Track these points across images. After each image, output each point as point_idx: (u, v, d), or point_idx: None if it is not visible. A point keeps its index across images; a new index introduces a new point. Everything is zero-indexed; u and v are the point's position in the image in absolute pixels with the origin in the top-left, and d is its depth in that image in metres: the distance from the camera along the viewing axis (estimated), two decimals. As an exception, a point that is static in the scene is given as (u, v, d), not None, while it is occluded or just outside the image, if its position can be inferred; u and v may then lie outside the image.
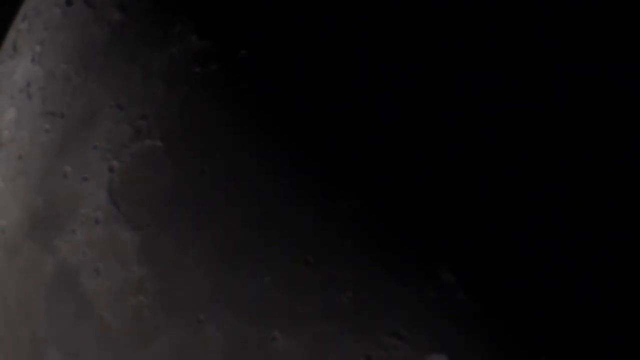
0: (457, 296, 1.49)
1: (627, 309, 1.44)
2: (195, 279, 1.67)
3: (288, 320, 1.57)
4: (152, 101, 1.79)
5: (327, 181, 1.58)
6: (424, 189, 1.53)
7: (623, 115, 1.49)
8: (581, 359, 1.44)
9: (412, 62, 1.58)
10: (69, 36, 2.00)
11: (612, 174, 1.48)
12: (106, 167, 1.83)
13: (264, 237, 1.61)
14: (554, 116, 1.51)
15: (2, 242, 2.04)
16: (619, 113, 1.49)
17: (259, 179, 1.64)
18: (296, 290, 1.57)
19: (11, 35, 2.21)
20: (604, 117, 1.49)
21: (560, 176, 1.49)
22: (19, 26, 2.18)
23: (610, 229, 1.46)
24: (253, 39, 1.72)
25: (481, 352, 1.48)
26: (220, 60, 1.75)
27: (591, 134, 1.49)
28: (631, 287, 1.45)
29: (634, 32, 1.50)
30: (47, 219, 1.93)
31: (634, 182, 1.47)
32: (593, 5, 1.52)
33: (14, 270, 2.00)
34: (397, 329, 1.51)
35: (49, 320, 1.89)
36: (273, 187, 1.62)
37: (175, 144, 1.74)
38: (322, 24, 1.66)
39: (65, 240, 1.87)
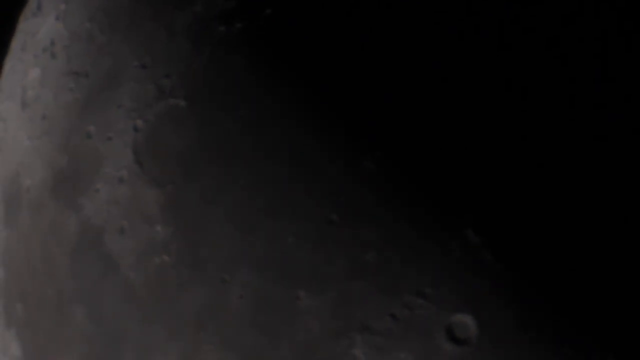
0: (483, 256, 1.49)
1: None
2: (219, 238, 1.67)
3: (312, 279, 1.57)
4: (176, 60, 1.79)
5: (353, 139, 1.57)
6: (450, 148, 1.52)
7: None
8: (609, 322, 1.44)
9: (437, 20, 1.57)
10: (93, -5, 2.00)
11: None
12: (130, 126, 1.83)
13: (288, 196, 1.61)
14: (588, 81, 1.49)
15: (27, 201, 2.05)
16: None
17: (283, 138, 1.63)
18: (320, 249, 1.57)
19: (35, -6, 2.21)
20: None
21: (591, 137, 1.48)
22: (43, -15, 2.18)
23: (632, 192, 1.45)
24: (278, -2, 1.71)
25: (506, 312, 1.47)
26: (245, 19, 1.74)
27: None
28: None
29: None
30: (72, 178, 1.93)
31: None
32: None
33: (39, 229, 2.01)
34: (422, 288, 1.50)
35: (73, 279, 1.90)
36: (297, 146, 1.62)
37: (199, 103, 1.73)
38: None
39: (90, 200, 1.88)
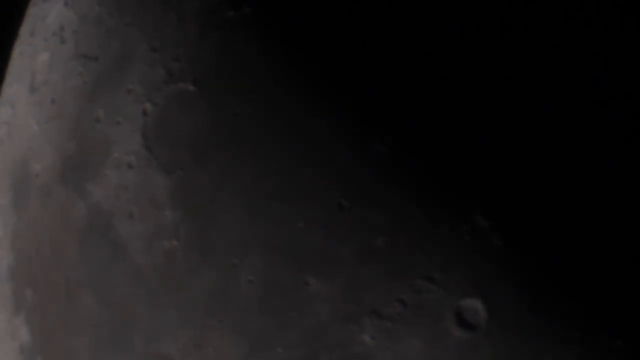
0: (492, 241, 1.48)
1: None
2: (228, 223, 1.67)
3: (322, 264, 1.57)
4: (185, 44, 1.79)
5: (362, 123, 1.57)
6: (460, 133, 1.52)
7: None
8: (619, 306, 1.44)
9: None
10: (102, -21, 1.99)
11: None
12: (139, 110, 1.83)
13: (298, 181, 1.61)
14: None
15: (35, 186, 2.06)
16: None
17: (292, 122, 1.63)
18: (330, 234, 1.57)
19: (44, -21, 2.21)
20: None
21: (601, 121, 1.47)
22: (52, -30, 2.18)
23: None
24: (287, -18, 1.70)
25: (515, 297, 1.47)
26: (254, 3, 1.73)
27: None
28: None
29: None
30: (81, 163, 1.93)
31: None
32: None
33: (48, 214, 2.01)
34: (431, 273, 1.50)
35: (82, 264, 1.90)
36: (307, 130, 1.61)
37: (209, 87, 1.73)
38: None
39: (99, 184, 1.88)
